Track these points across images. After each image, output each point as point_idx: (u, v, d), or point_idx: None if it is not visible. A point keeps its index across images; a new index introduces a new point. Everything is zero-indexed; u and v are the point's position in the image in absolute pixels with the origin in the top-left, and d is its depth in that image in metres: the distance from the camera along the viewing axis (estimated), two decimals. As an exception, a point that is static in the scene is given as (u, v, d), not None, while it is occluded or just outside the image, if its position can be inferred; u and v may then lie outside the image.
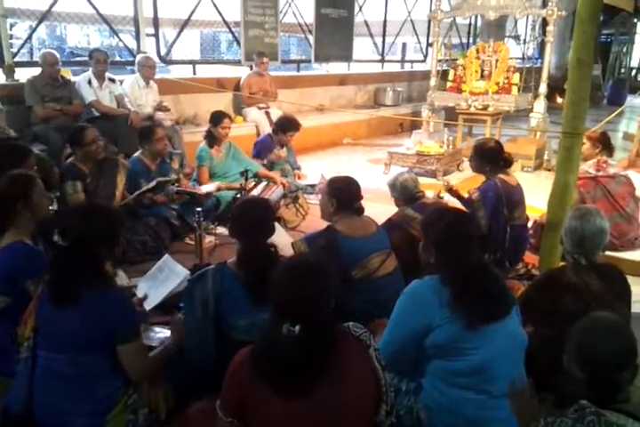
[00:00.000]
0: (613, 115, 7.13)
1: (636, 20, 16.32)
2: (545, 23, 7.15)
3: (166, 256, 3.07)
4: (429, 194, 3.72)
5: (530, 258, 3.68)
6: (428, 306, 1.87)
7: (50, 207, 3.03)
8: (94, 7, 6.05)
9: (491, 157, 3.52)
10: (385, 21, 10.10)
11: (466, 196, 3.67)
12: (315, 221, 3.37)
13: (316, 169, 6.09)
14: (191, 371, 2.12)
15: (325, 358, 1.51)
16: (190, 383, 2.12)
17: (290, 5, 8.26)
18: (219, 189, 4.54)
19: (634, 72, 18.10)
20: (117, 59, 7.50)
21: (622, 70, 17.83)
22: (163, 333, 2.48)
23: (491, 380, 1.87)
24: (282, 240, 2.82)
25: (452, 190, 3.82)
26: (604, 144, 4.28)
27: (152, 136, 4.09)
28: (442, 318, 1.84)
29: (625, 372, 1.51)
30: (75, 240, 1.92)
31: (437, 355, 1.88)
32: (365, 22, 9.70)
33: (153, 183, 3.96)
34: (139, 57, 5.87)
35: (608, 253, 3.14)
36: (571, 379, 1.58)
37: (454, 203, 3.74)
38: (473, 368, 1.85)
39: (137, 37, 6.43)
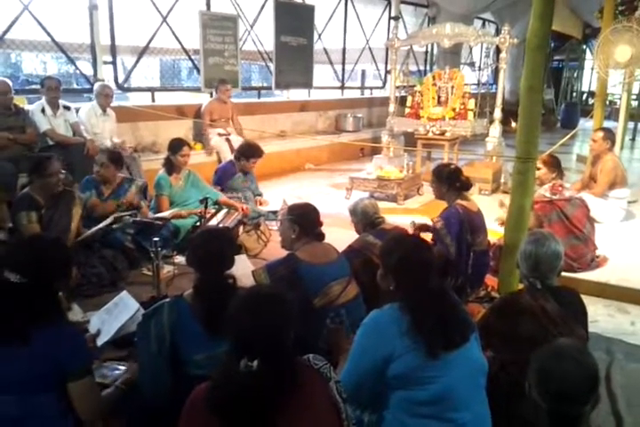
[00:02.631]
0: (566, 138, 7.38)
1: (585, 47, 17.01)
2: (498, 50, 7.37)
3: (124, 292, 3.00)
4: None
5: (489, 280, 3.72)
6: (388, 336, 1.85)
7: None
8: (49, 35, 5.99)
9: (447, 177, 3.57)
10: (344, 49, 10.28)
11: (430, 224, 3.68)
12: (277, 248, 3.35)
13: (278, 195, 6.08)
14: (147, 408, 2.04)
15: (285, 394, 1.46)
16: (146, 421, 2.04)
17: (249, 33, 8.34)
18: (180, 216, 4.47)
19: (584, 96, 18.80)
20: (74, 86, 7.41)
21: (574, 95, 18.51)
22: (117, 369, 2.39)
23: (453, 408, 1.84)
24: (244, 270, 2.78)
25: (420, 229, 3.79)
26: (558, 168, 4.40)
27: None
28: (402, 347, 1.82)
29: (588, 404, 1.50)
30: (31, 276, 1.86)
31: (399, 385, 1.85)
32: (325, 50, 9.85)
33: (110, 220, 3.89)
34: (95, 85, 5.81)
35: (566, 274, 3.20)
36: (532, 407, 1.57)
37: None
38: (435, 397, 1.82)
39: (94, 65, 6.38)
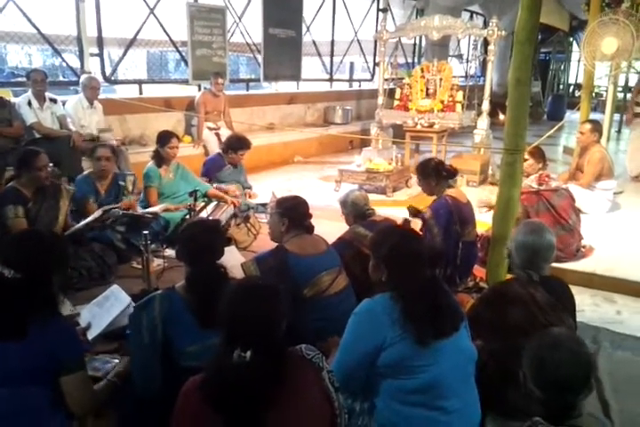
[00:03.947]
0: (553, 130, 7.40)
1: (571, 39, 17.08)
2: (486, 43, 7.38)
3: (115, 286, 2.99)
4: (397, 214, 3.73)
5: (478, 271, 3.75)
6: (379, 325, 1.87)
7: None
8: (35, 26, 5.92)
9: (433, 170, 3.59)
10: (333, 41, 10.26)
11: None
12: (266, 241, 3.36)
13: (268, 188, 6.05)
14: (139, 400, 2.05)
15: (278, 384, 1.48)
16: (139, 413, 2.05)
17: (237, 25, 8.29)
18: (169, 211, 4.46)
19: (571, 88, 18.89)
20: (61, 79, 7.34)
21: (560, 87, 18.59)
22: (109, 362, 2.39)
23: (443, 396, 1.87)
24: (235, 262, 2.78)
25: (417, 214, 3.82)
26: (543, 158, 4.45)
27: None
28: (393, 336, 1.84)
29: (583, 392, 1.52)
30: (25, 271, 1.85)
31: (389, 374, 1.87)
32: (313, 42, 9.82)
33: (99, 212, 3.85)
34: (82, 77, 5.76)
35: (553, 264, 3.23)
36: (525, 395, 1.58)
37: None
38: (424, 385, 1.85)
39: (80, 57, 6.32)
